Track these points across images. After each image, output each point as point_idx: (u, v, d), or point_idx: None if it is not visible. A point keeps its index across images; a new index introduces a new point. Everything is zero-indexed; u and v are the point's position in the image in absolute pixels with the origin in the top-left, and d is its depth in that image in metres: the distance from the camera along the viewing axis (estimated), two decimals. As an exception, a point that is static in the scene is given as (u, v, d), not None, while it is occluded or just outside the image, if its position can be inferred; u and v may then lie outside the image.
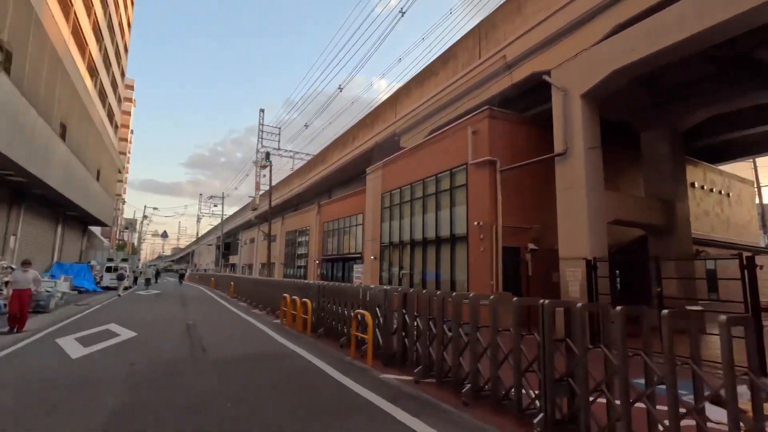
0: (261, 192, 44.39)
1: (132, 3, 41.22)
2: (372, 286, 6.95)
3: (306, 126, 45.61)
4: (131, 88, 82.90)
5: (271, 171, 33.64)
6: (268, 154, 44.34)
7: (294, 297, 10.28)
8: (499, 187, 11.79)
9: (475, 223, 12.06)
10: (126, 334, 8.72)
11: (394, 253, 16.70)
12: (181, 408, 4.13)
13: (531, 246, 12.01)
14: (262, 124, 46.63)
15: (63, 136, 18.74)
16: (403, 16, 19.28)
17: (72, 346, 7.23)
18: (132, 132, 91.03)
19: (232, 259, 60.53)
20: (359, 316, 6.85)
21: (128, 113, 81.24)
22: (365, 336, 6.55)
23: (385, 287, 6.23)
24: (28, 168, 14.74)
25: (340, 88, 31.01)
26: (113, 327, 9.65)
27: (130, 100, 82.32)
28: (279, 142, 47.31)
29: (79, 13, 22.06)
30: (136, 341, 7.85)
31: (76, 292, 22.03)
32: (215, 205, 59.34)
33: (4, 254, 18.22)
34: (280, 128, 47.86)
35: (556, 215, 10.43)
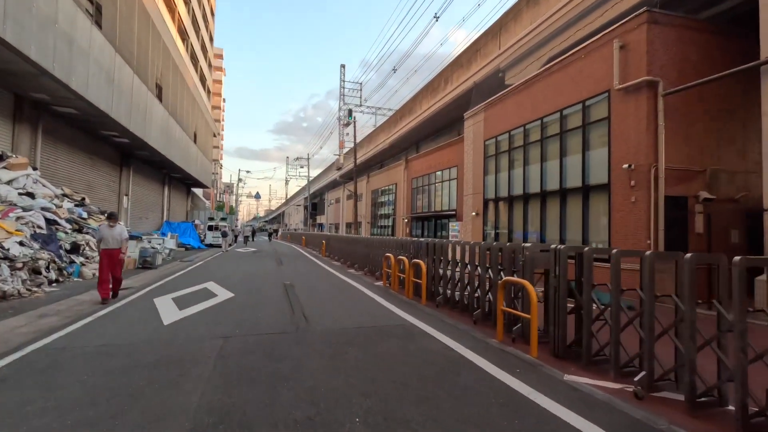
0: (345, 150, 43.83)
1: (214, -36, 41.20)
2: (526, 244, 5.03)
3: (394, 70, 43.24)
4: (220, 57, 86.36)
5: (355, 127, 32.40)
6: (350, 111, 43.27)
7: (401, 257, 8.77)
8: (662, 116, 8.84)
9: (624, 166, 9.33)
10: (222, 294, 7.95)
11: (502, 210, 14.46)
12: (290, 420, 2.74)
13: (704, 195, 9.04)
14: (344, 81, 45.29)
15: (159, 97, 18.98)
16: None
17: (167, 309, 6.49)
18: (224, 100, 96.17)
19: (319, 219, 62.28)
20: (510, 286, 5.04)
21: (219, 82, 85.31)
22: (518, 314, 4.73)
23: (554, 246, 4.29)
24: (129, 127, 14.89)
25: (436, 17, 27.97)
26: (211, 286, 9.04)
27: (220, 68, 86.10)
28: (361, 98, 45.89)
29: (165, -29, 21.84)
30: (231, 305, 6.95)
31: (183, 249, 23.32)
32: (301, 167, 60.72)
33: (119, 214, 19.42)
34: (361, 83, 46.21)
35: (743, 153, 7.42)
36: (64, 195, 11.61)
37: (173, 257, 17.55)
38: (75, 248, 9.96)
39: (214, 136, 42.64)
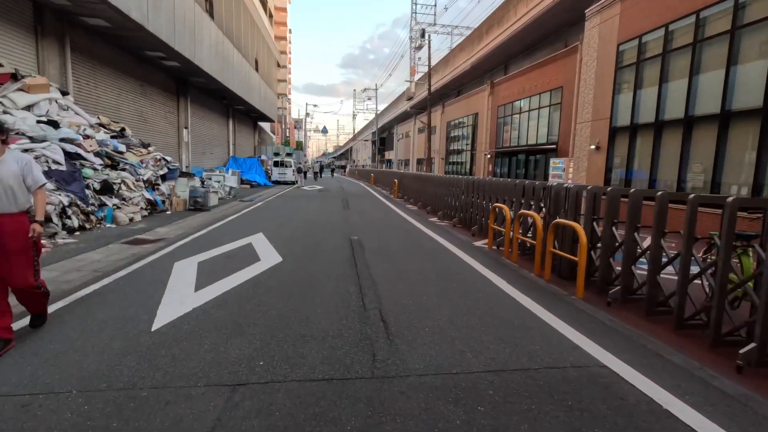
0: (417, 78, 39.49)
1: None
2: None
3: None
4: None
5: (429, 47, 28.06)
6: (423, 32, 38.22)
7: (525, 212, 5.82)
8: None
9: None
10: (267, 257, 5.73)
11: (644, 141, 10.57)
12: None
13: None
14: (416, -5, 39.77)
15: (210, 12, 16.56)
16: None
17: (178, 288, 4.35)
18: (290, 31, 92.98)
19: (388, 155, 59.59)
20: None
21: (284, 9, 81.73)
22: None
23: None
24: (174, 45, 12.74)
25: None
26: (258, 241, 6.90)
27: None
28: (435, 15, 40.31)
29: None
30: (271, 282, 4.67)
31: (248, 186, 22.16)
32: (369, 99, 57.26)
33: (179, 147, 18.22)
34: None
35: None
36: (100, 125, 9.97)
37: (234, 195, 16.11)
38: (107, 188, 8.30)
39: (279, 66, 40.33)
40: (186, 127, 18.37)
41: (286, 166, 27.25)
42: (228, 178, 16.72)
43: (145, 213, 9.40)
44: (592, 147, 12.15)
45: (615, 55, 11.33)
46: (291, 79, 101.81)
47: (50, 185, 6.85)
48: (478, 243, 7.17)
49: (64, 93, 9.61)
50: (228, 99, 23.01)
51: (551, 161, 15.87)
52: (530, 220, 5.88)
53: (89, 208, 7.57)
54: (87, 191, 7.78)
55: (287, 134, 61.70)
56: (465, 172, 28.38)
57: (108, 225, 7.97)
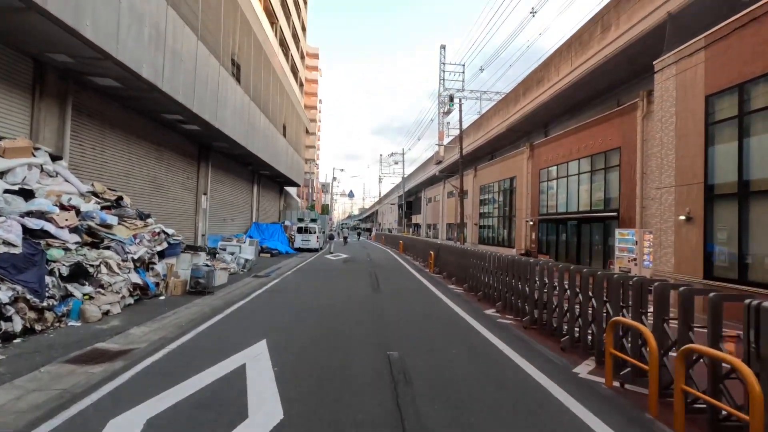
0: (446, 141, 38.76)
1: (307, -51, 39.06)
2: None
3: (481, 69, 37.78)
4: (316, 56, 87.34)
5: (461, 110, 27.18)
6: (451, 97, 38.03)
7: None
8: None
9: None
10: (259, 412, 3.56)
11: (765, 210, 8.24)
12: None
13: None
14: (443, 63, 40.31)
15: (237, 76, 15.98)
16: None
17: None
18: (320, 101, 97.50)
19: (415, 219, 58.02)
20: None
21: (315, 81, 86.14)
22: None
23: None
24: (192, 107, 11.71)
25: (533, 12, 22.04)
26: (253, 365, 4.75)
27: (315, 68, 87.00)
28: (463, 82, 40.50)
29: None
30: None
31: (268, 255, 20.49)
32: (395, 163, 57.12)
33: (197, 215, 16.93)
34: (464, 65, 40.80)
35: None
36: (93, 193, 8.54)
37: (250, 268, 14.31)
38: (79, 273, 6.54)
39: (308, 132, 40.65)
40: (205, 194, 17.21)
41: (310, 233, 25.74)
42: (244, 248, 15.05)
43: (130, 301, 7.55)
44: (681, 217, 9.83)
45: (703, 109, 9.38)
46: (319, 145, 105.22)
47: (-12, 275, 5.10)
48: (587, 372, 4.76)
49: (56, 158, 8.31)
50: (253, 164, 22.19)
51: (617, 232, 13.48)
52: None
53: (45, 303, 5.74)
54: (48, 279, 6.01)
55: (314, 198, 61.67)
56: (503, 240, 26.03)
57: (72, 323, 6.09)
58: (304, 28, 38.02)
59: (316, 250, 25.76)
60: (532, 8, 18.40)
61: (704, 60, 9.41)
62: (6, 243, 5.57)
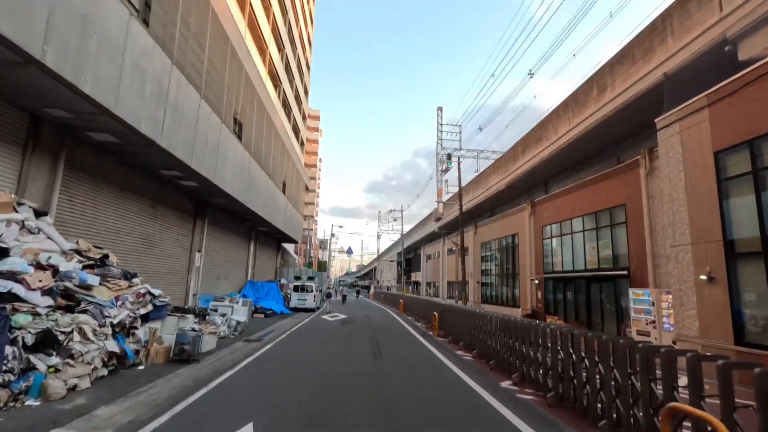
0: (444, 199, 38.89)
1: (312, 21, 41.74)
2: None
3: (480, 129, 38.94)
4: (317, 118, 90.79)
5: (459, 169, 27.45)
6: (449, 156, 38.73)
7: None
8: None
9: None
10: None
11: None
12: None
13: None
14: (441, 123, 41.55)
15: (238, 134, 16.08)
16: None
17: None
18: (320, 160, 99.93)
19: (414, 276, 56.88)
20: None
21: (315, 141, 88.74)
22: None
23: None
24: (191, 164, 11.51)
25: (531, 74, 23.17)
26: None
27: (316, 129, 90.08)
28: (460, 141, 41.47)
29: (254, 5, 20.18)
30: None
31: (262, 315, 19.47)
32: (394, 220, 57.10)
33: (189, 273, 16.22)
34: (460, 126, 42.01)
35: None
36: (77, 251, 7.99)
37: (242, 331, 13.37)
38: (48, 341, 5.81)
39: (308, 190, 40.91)
40: (200, 251, 16.63)
41: (307, 291, 24.80)
42: (237, 309, 14.20)
43: (104, 372, 6.71)
44: (702, 277, 9.26)
45: (713, 165, 9.17)
46: (318, 202, 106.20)
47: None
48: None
49: (41, 213, 7.86)
50: (251, 221, 21.83)
51: (630, 292, 12.81)
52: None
53: (4, 378, 4.98)
54: (8, 350, 5.28)
55: (311, 255, 60.85)
56: (507, 299, 25.09)
57: (30, 402, 5.27)
58: (306, 91, 39.58)
59: (312, 310, 24.67)
60: (530, 70, 19.10)
61: (708, 117, 9.37)
62: (-36, 308, 4.93)
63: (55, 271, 6.91)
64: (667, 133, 10.64)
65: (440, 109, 41.34)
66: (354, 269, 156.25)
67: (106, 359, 6.75)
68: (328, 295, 26.49)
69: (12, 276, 5.87)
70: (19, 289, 5.76)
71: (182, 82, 10.72)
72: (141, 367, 7.61)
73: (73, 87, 6.86)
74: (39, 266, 6.66)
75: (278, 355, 9.86)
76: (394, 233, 66.38)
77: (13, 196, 7.17)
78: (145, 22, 9.09)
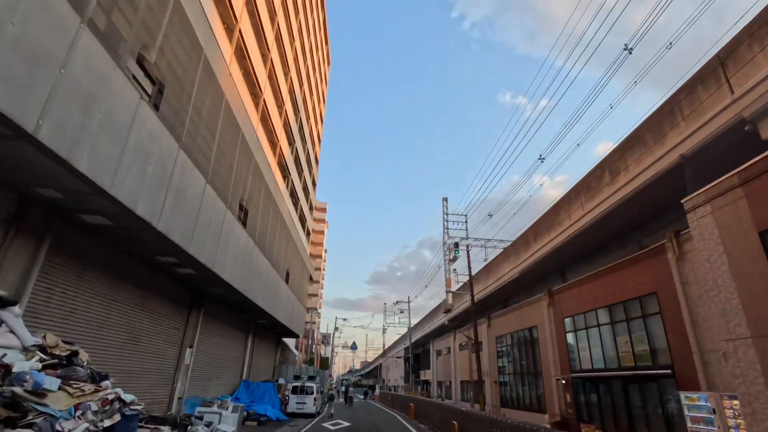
0: (454, 288, 37.40)
1: (322, 120, 44.45)
2: None
3: (490, 215, 39.11)
4: (324, 210, 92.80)
5: (469, 256, 26.60)
6: (457, 245, 38.20)
7: None
8: None
9: None
10: None
11: None
12: None
13: None
14: (446, 213, 41.78)
15: (243, 221, 15.65)
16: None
17: None
18: (326, 251, 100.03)
19: (424, 375, 52.56)
20: None
21: (321, 233, 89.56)
22: None
23: None
24: (188, 249, 10.83)
25: (541, 158, 23.70)
26: None
27: (323, 221, 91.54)
28: (467, 231, 41.25)
29: (267, 101, 21.27)
30: None
31: (255, 423, 17.12)
32: (401, 311, 54.67)
33: (177, 373, 14.54)
34: (466, 215, 42.16)
35: None
36: (41, 346, 6.86)
37: (229, 446, 11.38)
38: (-32, 469, 4.48)
39: (312, 280, 39.73)
40: (191, 347, 15.13)
41: (307, 393, 22.32)
42: (225, 416, 12.35)
43: None
44: (777, 379, 7.79)
45: (761, 247, 8.28)
46: (322, 294, 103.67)
47: None
48: None
49: (9, 303, 6.91)
50: (250, 313, 20.47)
51: (682, 397, 11.00)
52: None
53: None
54: None
55: (313, 350, 57.23)
56: (530, 403, 22.36)
57: None
58: (314, 183, 40.62)
59: (313, 415, 21.96)
60: (540, 155, 19.24)
61: (743, 195, 8.73)
62: None
63: (7, 371, 5.76)
64: (698, 213, 9.95)
65: (445, 199, 41.89)
66: (358, 366, 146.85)
67: (45, 493, 5.25)
68: (331, 398, 23.84)
69: (-57, 380, 4.76)
70: (-54, 397, 4.61)
71: (188, 166, 10.48)
72: (92, 502, 6.00)
73: (66, 164, 6.42)
74: (-13, 366, 5.55)
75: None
76: (401, 326, 63.13)
77: (-23, 281, 6.32)
78: (156, 107, 9.08)
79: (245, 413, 16.61)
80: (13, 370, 5.90)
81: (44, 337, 7.22)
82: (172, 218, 9.72)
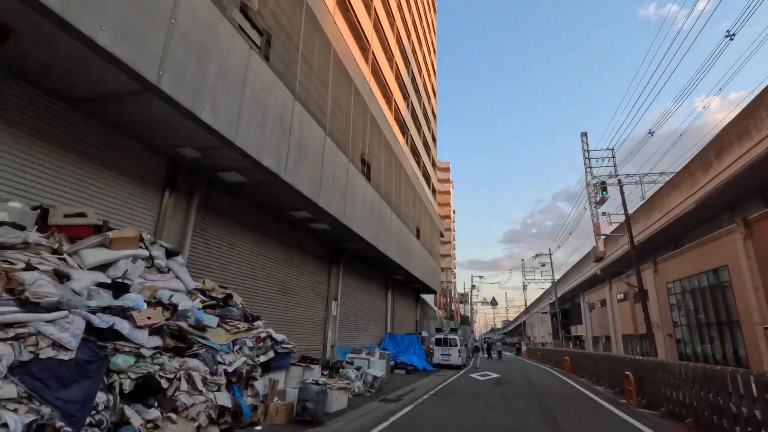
0: (604, 235, 32.93)
1: (435, 72, 42.49)
2: None
3: (651, 133, 32.90)
4: (447, 170, 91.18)
5: (623, 193, 22.62)
6: (603, 184, 33.41)
7: None
8: None
9: None
10: None
11: None
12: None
13: None
14: (587, 150, 36.67)
15: (366, 174, 15.56)
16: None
17: None
18: (454, 212, 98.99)
19: (575, 330, 48.66)
20: None
21: (447, 192, 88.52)
22: None
23: None
24: (318, 201, 10.98)
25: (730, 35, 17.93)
26: None
27: (447, 180, 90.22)
28: (615, 166, 35.77)
29: (377, 55, 20.65)
30: None
31: (403, 371, 17.58)
32: (542, 265, 50.98)
33: (326, 323, 15.54)
34: (612, 149, 36.32)
35: None
36: (201, 290, 7.52)
37: (379, 388, 11.61)
38: (148, 389, 4.93)
39: (442, 236, 39.24)
40: (336, 299, 15.98)
41: (451, 345, 22.17)
42: (373, 362, 12.68)
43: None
44: None
45: None
46: (455, 255, 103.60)
47: (11, 388, 3.69)
48: None
49: (173, 253, 7.68)
50: (386, 268, 20.87)
51: None
52: None
53: (82, 434, 4.06)
54: (102, 397, 4.45)
55: (452, 308, 57.73)
56: (723, 357, 18.36)
57: (118, 466, 4.25)
58: (434, 138, 39.44)
59: (459, 367, 21.80)
60: (728, 31, 14.65)
61: None
62: (56, 345, 4.27)
63: (174, 309, 6.32)
64: None
65: (584, 134, 36.63)
66: (499, 326, 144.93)
67: (215, 415, 5.63)
68: (476, 349, 23.39)
69: (121, 312, 5.29)
70: (123, 326, 5.09)
71: (305, 118, 10.44)
72: (258, 428, 6.36)
73: (191, 115, 6.61)
74: (158, 304, 6.13)
75: (421, 421, 7.74)
76: (543, 282, 59.14)
77: (144, 233, 7.07)
78: (266, 58, 9.04)
79: (392, 362, 17.10)
80: (179, 308, 6.45)
81: (203, 283, 7.92)
82: (297, 170, 9.82)
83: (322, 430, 6.48)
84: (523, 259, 63.71)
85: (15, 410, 3.66)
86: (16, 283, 4.60)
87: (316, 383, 7.08)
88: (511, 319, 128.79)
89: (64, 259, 5.61)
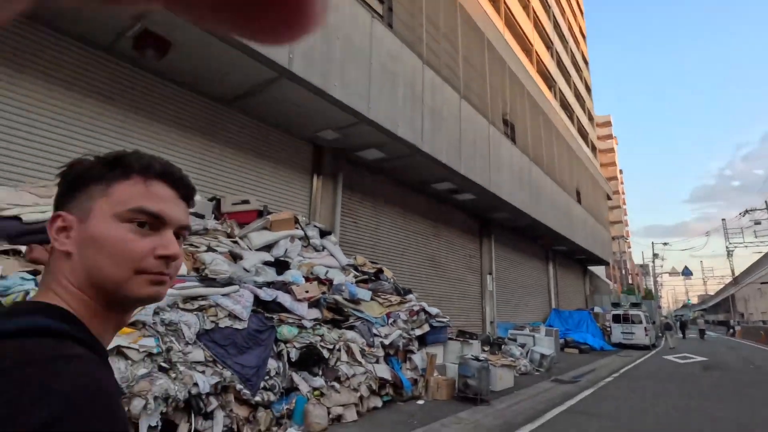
0: None
1: (581, 12, 36.72)
2: None
3: None
4: (608, 125, 79.48)
5: None
6: None
7: None
8: None
9: None
10: None
11: None
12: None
13: None
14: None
15: (511, 136, 14.10)
16: None
17: None
18: (621, 172, 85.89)
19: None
20: None
21: (611, 150, 77.34)
22: None
23: None
24: (459, 170, 10.27)
25: None
26: None
27: (609, 137, 78.69)
28: None
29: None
30: None
31: (576, 351, 15.71)
32: (756, 223, 40.01)
33: (483, 299, 14.82)
34: None
35: None
36: (353, 266, 7.69)
37: (549, 367, 10.45)
38: (311, 358, 5.12)
39: (609, 198, 33.97)
40: (490, 274, 15.11)
41: (633, 322, 18.98)
42: (539, 339, 11.50)
43: (377, 403, 5.60)
44: None
45: None
46: (627, 221, 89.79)
47: (189, 349, 4.14)
48: None
49: (326, 233, 8.06)
50: (543, 238, 18.91)
51: None
52: None
53: (258, 398, 4.38)
54: (272, 364, 4.76)
55: (629, 281, 50.12)
56: None
57: (293, 431, 4.50)
58: (588, 89, 34.18)
59: (646, 348, 18.55)
60: None
61: None
62: (232, 316, 4.70)
63: (330, 284, 6.56)
64: None
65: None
66: (694, 301, 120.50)
67: (375, 386, 5.61)
68: (667, 327, 19.50)
69: (282, 286, 5.63)
70: (284, 298, 5.40)
71: (437, 82, 9.82)
72: (420, 402, 6.17)
73: (323, 93, 6.69)
74: (315, 279, 6.42)
75: (606, 408, 6.51)
76: (758, 246, 46.32)
77: (299, 215, 7.54)
78: (389, 26, 8.70)
79: (561, 340, 15.42)
80: (334, 283, 6.66)
81: (355, 259, 8.11)
82: (434, 138, 9.32)
83: (486, 411, 5.92)
84: (724, 219, 50.51)
85: (203, 372, 4.07)
86: (200, 262, 5.23)
87: (476, 359, 6.53)
88: (711, 293, 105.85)
89: (236, 242, 6.27)
